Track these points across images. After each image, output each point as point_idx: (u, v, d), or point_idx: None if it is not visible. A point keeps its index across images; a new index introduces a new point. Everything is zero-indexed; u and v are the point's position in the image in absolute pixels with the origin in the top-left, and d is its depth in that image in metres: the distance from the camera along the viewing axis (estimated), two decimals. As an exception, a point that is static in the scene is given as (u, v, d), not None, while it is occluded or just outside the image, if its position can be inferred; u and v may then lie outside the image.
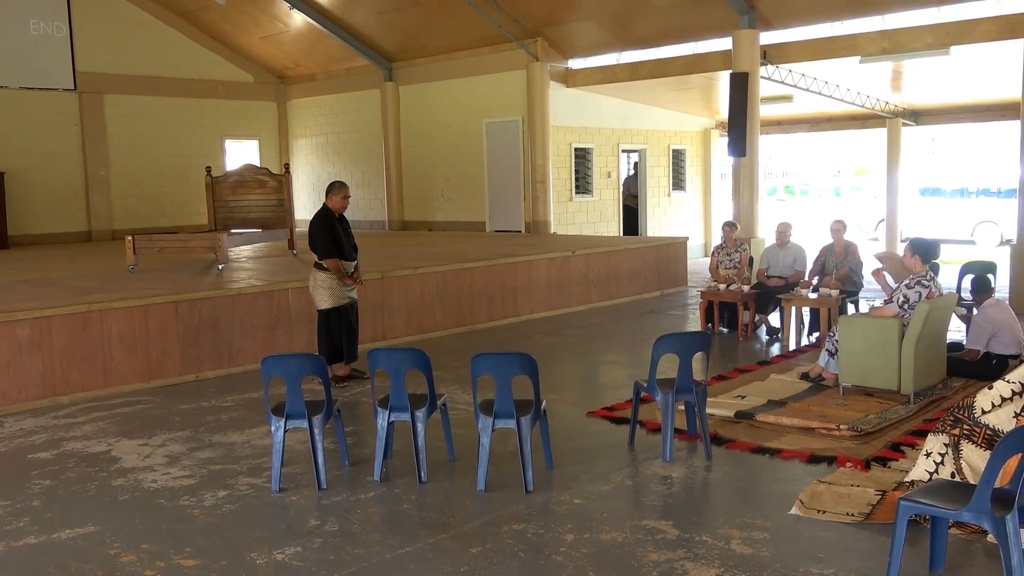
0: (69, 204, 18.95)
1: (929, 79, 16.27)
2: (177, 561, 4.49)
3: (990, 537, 4.35)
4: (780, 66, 14.93)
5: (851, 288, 10.07)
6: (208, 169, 13.92)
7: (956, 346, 8.25)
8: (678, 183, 20.37)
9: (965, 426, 4.78)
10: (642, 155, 19.50)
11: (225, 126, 21.35)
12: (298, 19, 18.99)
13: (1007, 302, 9.13)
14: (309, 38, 19.89)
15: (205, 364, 8.80)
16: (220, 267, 11.40)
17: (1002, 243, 21.45)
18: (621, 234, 18.79)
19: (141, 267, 11.57)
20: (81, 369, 8.01)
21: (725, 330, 10.69)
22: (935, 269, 8.64)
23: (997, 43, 12.49)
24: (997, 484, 3.72)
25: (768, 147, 32.09)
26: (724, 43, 15.13)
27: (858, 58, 13.93)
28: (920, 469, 4.91)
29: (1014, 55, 12.03)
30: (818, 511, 4.90)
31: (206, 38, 20.78)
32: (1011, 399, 4.70)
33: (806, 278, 10.40)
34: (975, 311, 8.42)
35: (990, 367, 7.71)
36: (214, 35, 20.80)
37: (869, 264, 10.35)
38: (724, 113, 19.22)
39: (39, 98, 18.38)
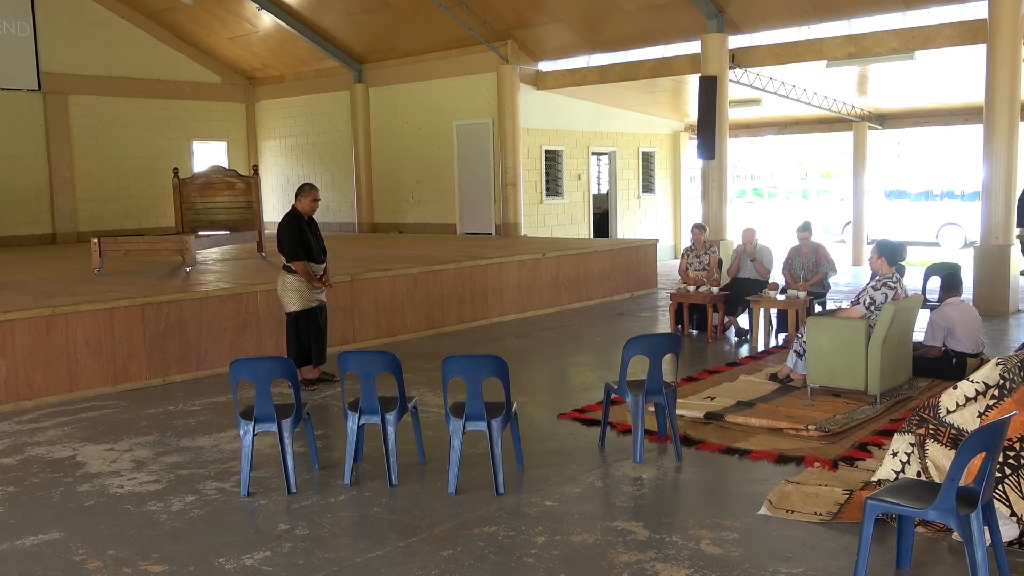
0: (33, 206, 18.69)
1: (894, 83, 16.48)
2: (144, 567, 4.43)
3: (955, 535, 4.41)
4: (748, 70, 15.06)
5: (819, 290, 10.16)
6: (175, 171, 13.80)
7: (919, 346, 8.36)
8: (648, 185, 20.48)
9: (930, 426, 4.85)
10: (612, 157, 19.58)
11: (192, 127, 21.16)
12: (266, 20, 18.87)
13: (970, 303, 9.26)
14: (278, 39, 19.77)
15: (172, 368, 8.71)
16: (187, 270, 11.29)
17: (966, 245, 21.78)
18: (591, 236, 18.85)
19: (107, 270, 11.43)
20: (45, 373, 7.89)
21: (695, 332, 10.75)
22: (901, 271, 8.76)
23: (960, 48, 12.70)
24: (962, 483, 3.77)
25: (736, 150, 32.40)
26: (693, 47, 15.25)
27: (825, 62, 14.09)
28: (887, 468, 4.97)
29: (977, 60, 12.23)
30: (787, 511, 4.94)
31: (173, 38, 20.59)
32: (975, 399, 4.77)
33: (772, 280, 10.49)
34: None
35: (950, 366, 7.84)
36: (181, 35, 20.60)
37: (840, 265, 10.47)
38: (693, 116, 19.40)
39: (2, 98, 18.11)
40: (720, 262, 11.31)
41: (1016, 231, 13.12)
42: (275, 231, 8.22)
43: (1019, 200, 12.87)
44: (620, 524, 4.86)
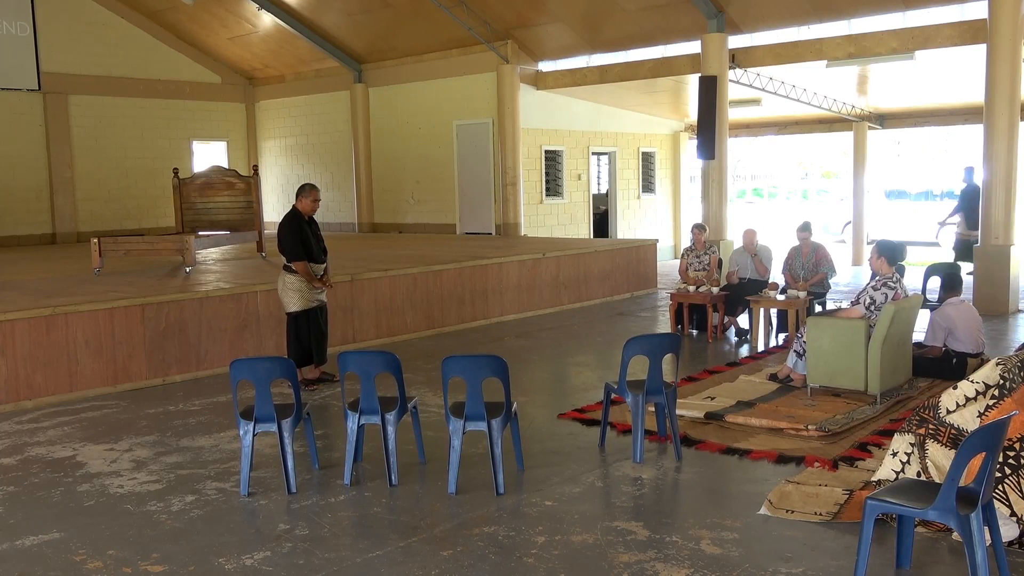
0: (33, 206, 18.68)
1: (894, 83, 16.48)
2: (144, 567, 4.43)
3: (955, 535, 4.41)
4: (748, 70, 15.05)
5: (819, 290, 10.16)
6: (175, 171, 13.80)
7: (920, 346, 8.36)
8: (648, 185, 20.48)
9: (930, 426, 4.84)
10: (612, 157, 19.58)
11: (192, 127, 21.16)
12: (266, 20, 18.87)
13: (970, 302, 9.26)
14: (278, 39, 19.77)
15: (172, 368, 8.71)
16: (187, 270, 11.29)
17: (966, 245, 21.73)
18: (591, 236, 18.85)
19: (107, 270, 11.43)
20: (45, 373, 7.89)
21: (695, 332, 10.75)
22: (901, 271, 8.76)
23: (960, 48, 12.70)
24: (962, 483, 3.77)
25: (736, 150, 32.39)
26: (693, 47, 15.24)
27: (825, 62, 14.08)
28: (887, 468, 4.97)
29: (977, 60, 12.23)
30: (787, 511, 4.94)
31: (173, 38, 20.59)
32: (975, 399, 4.77)
33: (772, 280, 10.49)
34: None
35: (951, 366, 7.84)
36: (181, 35, 20.61)
37: (840, 265, 10.46)
38: (693, 116, 19.38)
39: (2, 98, 18.11)
40: (720, 262, 11.31)
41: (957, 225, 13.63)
42: (275, 231, 8.22)
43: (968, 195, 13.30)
44: (620, 524, 4.86)
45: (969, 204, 14.06)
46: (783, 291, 10.08)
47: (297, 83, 21.31)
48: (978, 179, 14.40)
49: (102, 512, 5.21)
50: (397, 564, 4.41)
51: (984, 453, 3.77)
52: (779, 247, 12.47)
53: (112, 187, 19.75)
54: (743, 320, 10.67)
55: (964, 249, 14.36)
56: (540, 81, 17.60)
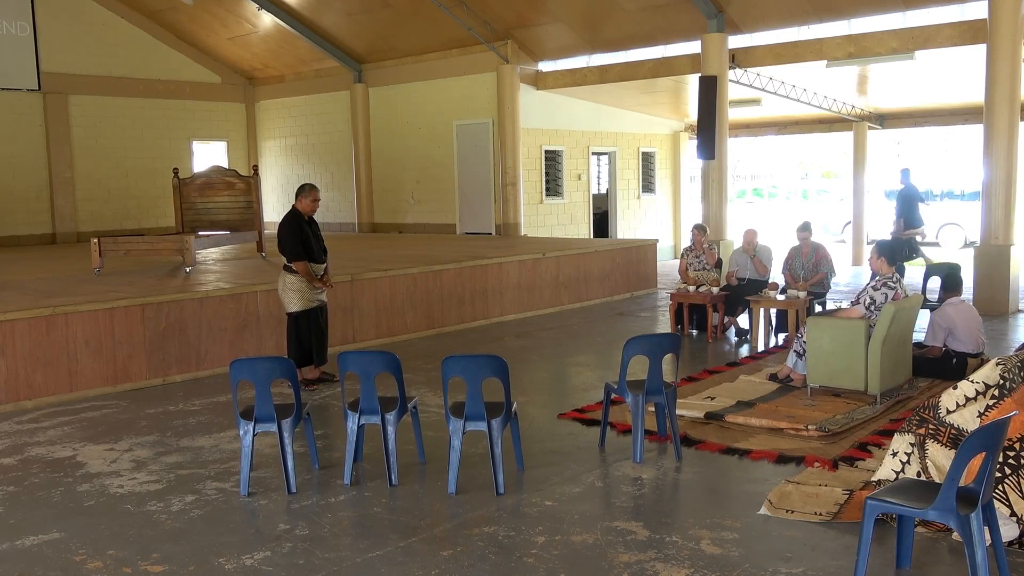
0: (33, 206, 18.69)
1: (894, 83, 16.48)
2: (144, 567, 4.43)
3: (955, 535, 4.41)
4: (748, 70, 15.06)
5: (819, 290, 10.16)
6: (175, 171, 13.80)
7: (920, 346, 8.37)
8: (648, 185, 20.49)
9: (930, 426, 4.84)
10: (612, 157, 19.58)
11: (192, 127, 21.16)
12: (266, 20, 18.88)
13: (970, 303, 9.26)
14: (278, 39, 19.78)
15: (172, 368, 8.71)
16: (187, 270, 11.29)
17: (966, 245, 21.77)
18: (591, 236, 18.85)
19: (107, 270, 11.43)
20: (45, 373, 7.89)
21: (695, 332, 10.75)
22: (901, 271, 8.75)
23: (960, 48, 12.70)
24: (962, 483, 3.77)
25: (736, 150, 32.37)
26: (693, 47, 15.25)
27: (825, 62, 14.09)
28: (887, 468, 4.97)
29: (977, 60, 12.23)
30: (787, 511, 4.94)
31: (173, 38, 20.59)
32: (975, 399, 4.77)
33: (772, 280, 10.49)
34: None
35: (951, 366, 7.83)
36: (181, 35, 20.61)
37: (840, 265, 10.45)
38: (693, 116, 19.39)
39: (2, 98, 18.11)
40: (720, 262, 11.30)
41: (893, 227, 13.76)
42: (275, 231, 8.23)
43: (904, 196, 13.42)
44: (620, 524, 4.86)
45: (905, 205, 14.13)
46: (783, 291, 10.08)
47: (297, 83, 21.31)
48: (915, 180, 14.58)
49: (102, 512, 5.21)
50: (397, 564, 4.41)
51: (984, 453, 3.77)
52: (779, 247, 12.47)
53: (112, 187, 19.75)
54: (743, 320, 10.67)
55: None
56: (540, 81, 17.60)
